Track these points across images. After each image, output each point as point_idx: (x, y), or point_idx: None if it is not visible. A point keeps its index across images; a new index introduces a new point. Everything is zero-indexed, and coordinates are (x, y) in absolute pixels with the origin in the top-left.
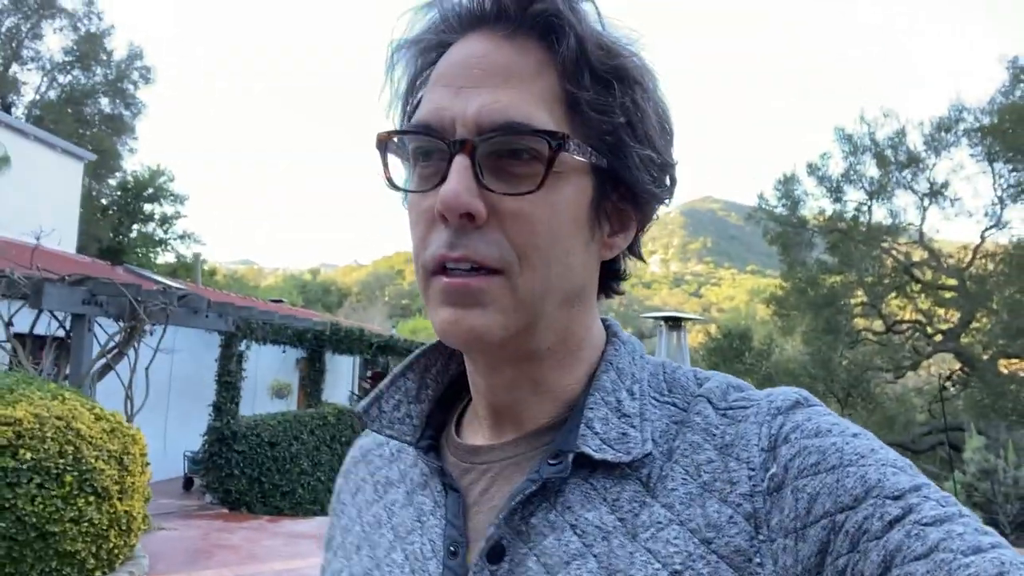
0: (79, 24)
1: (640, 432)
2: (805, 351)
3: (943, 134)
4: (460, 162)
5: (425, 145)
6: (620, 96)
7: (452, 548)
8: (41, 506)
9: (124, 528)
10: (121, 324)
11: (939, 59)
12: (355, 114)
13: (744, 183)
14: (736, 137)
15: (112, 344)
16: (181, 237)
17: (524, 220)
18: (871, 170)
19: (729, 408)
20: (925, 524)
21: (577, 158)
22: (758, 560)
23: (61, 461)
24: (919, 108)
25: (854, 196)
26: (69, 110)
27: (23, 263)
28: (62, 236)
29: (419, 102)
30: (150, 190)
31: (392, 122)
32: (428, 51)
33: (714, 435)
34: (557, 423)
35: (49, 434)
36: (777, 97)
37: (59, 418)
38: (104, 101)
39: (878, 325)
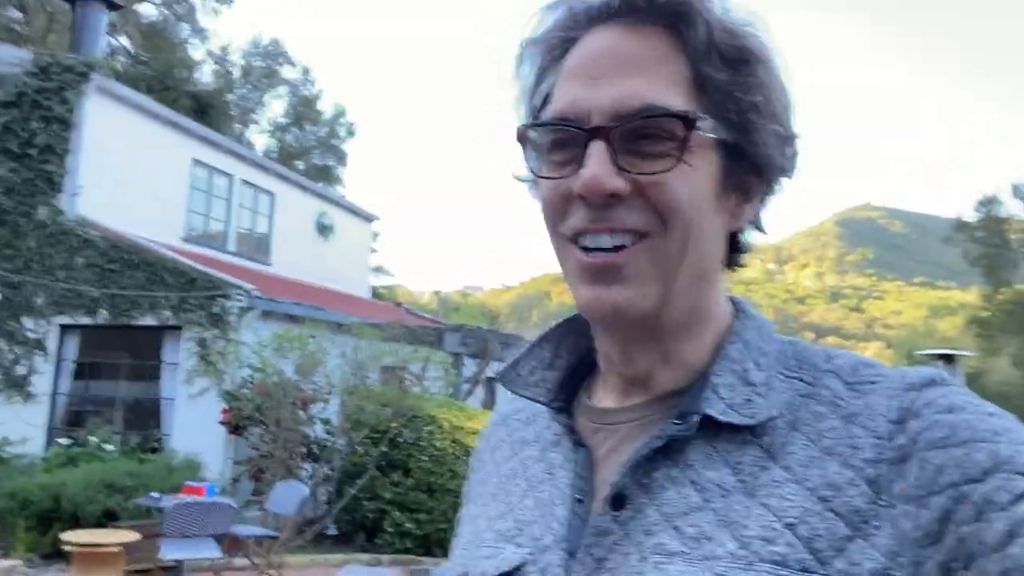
0: (296, 91)
1: (765, 399)
2: (1017, 374)
3: None
4: (597, 147)
5: (561, 136)
6: (746, 76)
7: (579, 497)
8: None
9: None
10: (476, 360)
11: None
12: (481, 130)
13: (909, 189)
14: (898, 139)
15: (472, 375)
16: (375, 270)
17: (665, 188)
18: None
19: (858, 383)
20: None
21: (708, 135)
22: (876, 523)
23: None
24: None
25: None
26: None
27: (360, 312)
28: (359, 286)
29: (547, 97)
30: None
31: (520, 118)
32: (554, 48)
33: (839, 406)
34: (684, 389)
35: None
36: (935, 97)
37: None
38: (316, 154)
39: None
